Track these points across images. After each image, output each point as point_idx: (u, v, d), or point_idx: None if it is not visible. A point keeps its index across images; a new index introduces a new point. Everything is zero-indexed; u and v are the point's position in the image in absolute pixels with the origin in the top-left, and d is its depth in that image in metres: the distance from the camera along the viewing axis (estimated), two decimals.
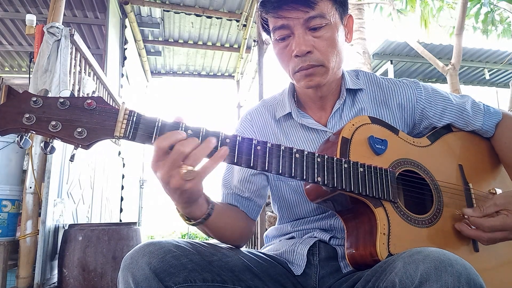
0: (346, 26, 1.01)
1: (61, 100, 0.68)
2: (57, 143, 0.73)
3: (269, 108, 1.13)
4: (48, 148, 0.71)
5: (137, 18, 5.85)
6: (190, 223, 0.84)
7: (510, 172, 1.03)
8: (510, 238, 0.86)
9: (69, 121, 0.68)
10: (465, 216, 0.88)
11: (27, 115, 0.66)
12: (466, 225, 0.87)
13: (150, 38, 6.60)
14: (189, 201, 0.77)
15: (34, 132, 0.68)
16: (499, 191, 0.98)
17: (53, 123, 0.67)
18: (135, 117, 0.71)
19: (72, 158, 0.74)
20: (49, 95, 0.70)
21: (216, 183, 1.11)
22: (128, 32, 5.69)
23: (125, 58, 5.44)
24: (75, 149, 0.71)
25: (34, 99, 0.68)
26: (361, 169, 0.83)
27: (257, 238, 3.75)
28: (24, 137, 0.69)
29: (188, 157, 0.69)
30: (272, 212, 3.10)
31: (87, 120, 0.69)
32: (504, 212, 0.85)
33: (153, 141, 0.71)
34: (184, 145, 0.69)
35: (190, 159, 0.69)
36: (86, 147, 0.70)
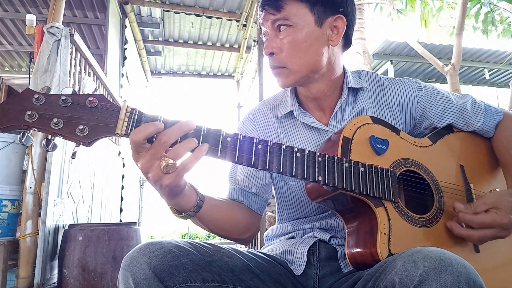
0: (335, 28, 0.97)
1: (63, 97, 0.69)
2: (57, 143, 0.73)
3: (271, 107, 1.13)
4: (50, 145, 0.71)
5: (137, 18, 5.85)
6: (180, 216, 0.84)
7: (506, 172, 1.03)
8: (499, 236, 0.85)
9: (71, 118, 0.68)
10: (456, 211, 0.88)
11: (29, 112, 0.67)
12: (457, 224, 0.87)
13: (150, 38, 6.61)
14: (171, 194, 0.77)
15: (36, 129, 0.68)
16: None
17: (55, 120, 0.67)
18: (136, 115, 0.71)
19: (73, 156, 0.75)
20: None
21: (215, 180, 1.12)
22: (128, 32, 5.69)
23: (125, 58, 5.44)
24: (77, 146, 0.71)
25: (36, 96, 0.68)
26: (362, 169, 0.83)
27: (257, 238, 3.75)
28: (26, 134, 0.69)
29: (171, 149, 0.70)
30: (272, 212, 3.10)
31: (89, 118, 0.69)
32: (493, 210, 0.85)
33: (154, 138, 0.71)
34: (167, 134, 0.69)
35: (172, 152, 0.70)
36: (88, 144, 0.70)
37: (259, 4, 0.98)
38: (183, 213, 0.85)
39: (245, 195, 1.06)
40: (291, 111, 1.06)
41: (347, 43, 1.04)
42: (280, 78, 0.98)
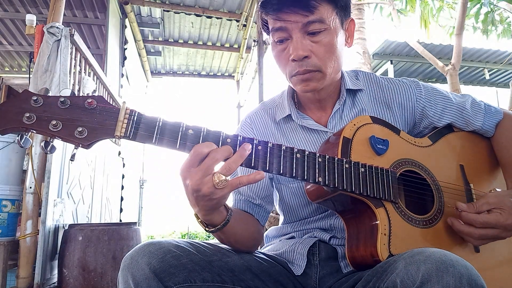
0: (347, 30, 1.00)
1: (62, 99, 0.68)
2: (56, 143, 0.73)
3: (269, 111, 1.12)
4: (49, 148, 0.71)
5: (137, 18, 5.85)
6: (209, 229, 0.83)
7: (505, 172, 1.03)
8: (501, 236, 0.85)
9: (70, 120, 0.68)
10: (458, 210, 0.87)
11: (28, 114, 0.66)
12: (458, 220, 0.86)
13: (150, 38, 6.60)
14: (212, 208, 0.77)
15: (34, 132, 0.68)
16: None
17: (54, 122, 0.67)
18: (135, 117, 0.71)
19: (72, 158, 0.74)
20: (50, 94, 0.70)
21: None
22: (128, 32, 5.69)
23: (125, 58, 5.44)
24: (76, 148, 0.71)
25: (35, 98, 0.67)
26: (362, 169, 0.83)
27: None
28: (25, 136, 0.69)
29: (222, 165, 0.71)
30: (272, 212, 3.10)
31: (88, 120, 0.69)
32: (497, 210, 0.84)
33: (154, 140, 0.71)
34: (219, 152, 0.70)
35: (225, 168, 0.71)
36: (87, 146, 0.69)
37: (275, 4, 0.90)
38: (211, 227, 0.83)
39: (251, 206, 1.04)
40: (289, 115, 1.06)
41: None
42: (311, 82, 0.94)
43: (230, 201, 1.06)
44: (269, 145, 0.77)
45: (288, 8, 0.89)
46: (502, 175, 1.05)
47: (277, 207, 1.14)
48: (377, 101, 1.06)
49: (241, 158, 0.72)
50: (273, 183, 1.09)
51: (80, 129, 0.68)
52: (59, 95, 0.69)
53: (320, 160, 0.80)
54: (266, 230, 1.20)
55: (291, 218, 1.08)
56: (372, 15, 6.88)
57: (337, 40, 0.94)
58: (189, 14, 5.74)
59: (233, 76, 7.99)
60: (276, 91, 1.18)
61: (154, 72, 7.89)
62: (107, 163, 3.95)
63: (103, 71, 4.13)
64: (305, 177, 0.78)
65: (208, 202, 0.74)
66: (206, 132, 0.73)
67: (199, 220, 0.82)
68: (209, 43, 6.74)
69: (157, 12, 5.76)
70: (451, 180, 0.96)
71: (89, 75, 3.41)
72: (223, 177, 0.71)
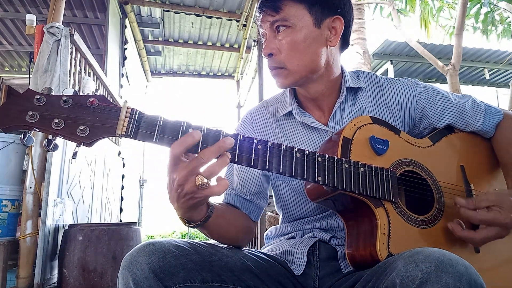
0: (332, 28, 0.98)
1: (64, 98, 0.69)
2: (57, 143, 0.73)
3: (270, 108, 1.13)
4: (51, 146, 0.72)
5: (137, 18, 5.85)
6: (190, 225, 0.84)
7: (506, 172, 1.02)
8: (500, 235, 0.84)
9: (72, 119, 0.69)
10: (457, 206, 0.87)
11: (31, 113, 0.67)
12: (459, 226, 0.86)
13: (150, 38, 6.61)
14: (191, 207, 0.77)
15: (37, 130, 0.68)
16: None
17: (56, 121, 0.68)
18: (137, 116, 0.71)
19: (74, 156, 0.75)
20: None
21: None
22: (128, 32, 5.69)
23: (125, 58, 5.44)
24: (78, 146, 0.71)
25: (38, 97, 0.68)
26: (362, 169, 0.83)
27: (257, 238, 3.75)
28: (28, 134, 0.70)
29: (206, 169, 0.71)
30: (272, 212, 3.10)
31: (90, 118, 0.69)
32: (496, 208, 0.84)
33: (154, 139, 0.71)
34: (206, 154, 0.71)
35: (207, 171, 0.71)
36: (89, 144, 0.70)
37: (258, 5, 0.99)
38: (192, 223, 0.83)
39: (240, 201, 1.05)
40: (290, 111, 1.06)
41: (345, 43, 1.04)
42: (279, 78, 0.99)
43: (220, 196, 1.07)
44: (268, 144, 0.77)
45: (263, 10, 0.97)
46: (503, 175, 1.05)
47: (275, 205, 1.14)
48: (377, 101, 1.06)
49: (224, 163, 0.72)
50: (271, 180, 1.09)
51: (82, 127, 0.68)
52: (61, 94, 0.70)
53: (319, 159, 0.80)
54: (266, 230, 1.20)
55: (290, 217, 1.08)
56: (372, 15, 6.88)
57: (303, 38, 0.95)
58: (189, 14, 5.74)
59: (233, 76, 7.99)
60: (276, 91, 1.18)
61: (154, 72, 7.90)
62: (107, 163, 3.95)
63: (103, 71, 4.13)
64: (305, 176, 0.78)
65: (190, 201, 0.74)
66: (207, 131, 0.74)
67: (179, 216, 0.82)
68: (209, 43, 6.74)
69: (157, 12, 5.76)
70: (451, 180, 0.96)
71: (89, 75, 3.41)
72: (206, 180, 0.71)
